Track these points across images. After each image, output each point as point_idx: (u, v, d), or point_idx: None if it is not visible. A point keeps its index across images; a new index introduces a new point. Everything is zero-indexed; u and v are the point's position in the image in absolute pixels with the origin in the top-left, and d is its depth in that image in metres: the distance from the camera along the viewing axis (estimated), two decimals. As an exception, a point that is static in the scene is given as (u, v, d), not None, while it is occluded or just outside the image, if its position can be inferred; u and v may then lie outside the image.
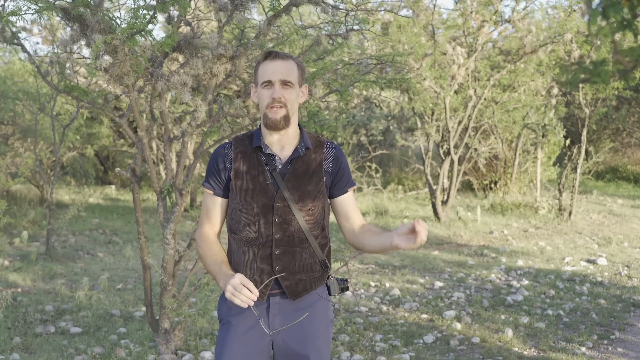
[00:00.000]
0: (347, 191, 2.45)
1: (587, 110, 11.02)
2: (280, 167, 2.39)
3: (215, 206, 2.46)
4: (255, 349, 2.37)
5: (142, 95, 5.77)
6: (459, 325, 5.24)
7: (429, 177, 11.11)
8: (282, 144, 2.41)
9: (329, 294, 2.48)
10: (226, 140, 3.80)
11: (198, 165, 8.81)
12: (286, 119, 2.35)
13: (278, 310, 2.39)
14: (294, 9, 4.00)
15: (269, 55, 2.38)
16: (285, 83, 2.35)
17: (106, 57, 3.50)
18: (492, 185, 14.11)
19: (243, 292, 2.16)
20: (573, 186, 11.33)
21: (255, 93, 2.43)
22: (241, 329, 2.38)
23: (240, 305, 2.19)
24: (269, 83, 2.35)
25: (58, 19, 5.95)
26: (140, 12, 3.48)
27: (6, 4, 4.82)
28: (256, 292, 2.19)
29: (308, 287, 2.40)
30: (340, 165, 2.44)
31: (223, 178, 2.43)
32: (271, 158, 2.39)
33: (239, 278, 2.19)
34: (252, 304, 2.18)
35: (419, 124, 11.84)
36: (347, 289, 2.51)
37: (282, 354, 2.41)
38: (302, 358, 2.38)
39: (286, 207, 2.35)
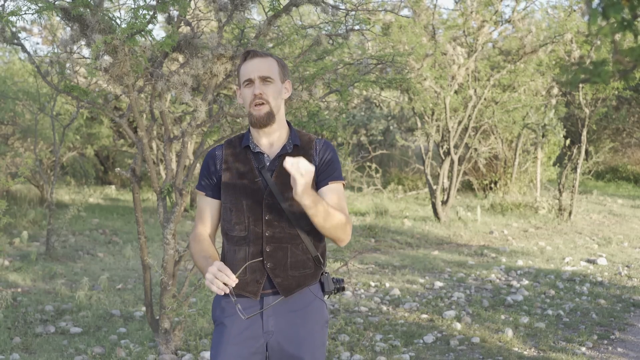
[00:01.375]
0: (327, 183, 2.39)
1: (587, 110, 11.02)
2: (268, 164, 2.39)
3: (208, 207, 2.47)
4: (249, 350, 2.36)
5: (142, 95, 5.77)
6: (459, 325, 5.24)
7: (429, 177, 11.11)
8: (270, 141, 2.42)
9: (323, 291, 2.46)
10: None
11: (198, 165, 8.81)
12: (270, 115, 2.36)
13: (272, 311, 2.37)
14: (294, 9, 4.00)
15: (248, 54, 2.40)
16: (264, 79, 2.36)
17: (106, 57, 3.50)
18: (492, 185, 14.11)
19: (220, 277, 2.16)
20: (573, 186, 11.34)
21: (239, 95, 2.45)
22: (235, 330, 2.37)
23: (217, 293, 2.17)
24: (249, 81, 2.37)
25: (58, 19, 5.94)
26: (140, 12, 3.49)
27: (6, 4, 4.81)
28: (234, 277, 2.17)
29: (300, 284, 2.39)
30: (325, 157, 2.42)
31: (214, 179, 2.44)
32: (260, 156, 2.40)
33: (216, 265, 2.19)
34: (227, 290, 2.17)
35: (419, 124, 11.84)
36: (343, 289, 2.49)
37: (277, 356, 2.39)
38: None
39: (275, 204, 2.35)
